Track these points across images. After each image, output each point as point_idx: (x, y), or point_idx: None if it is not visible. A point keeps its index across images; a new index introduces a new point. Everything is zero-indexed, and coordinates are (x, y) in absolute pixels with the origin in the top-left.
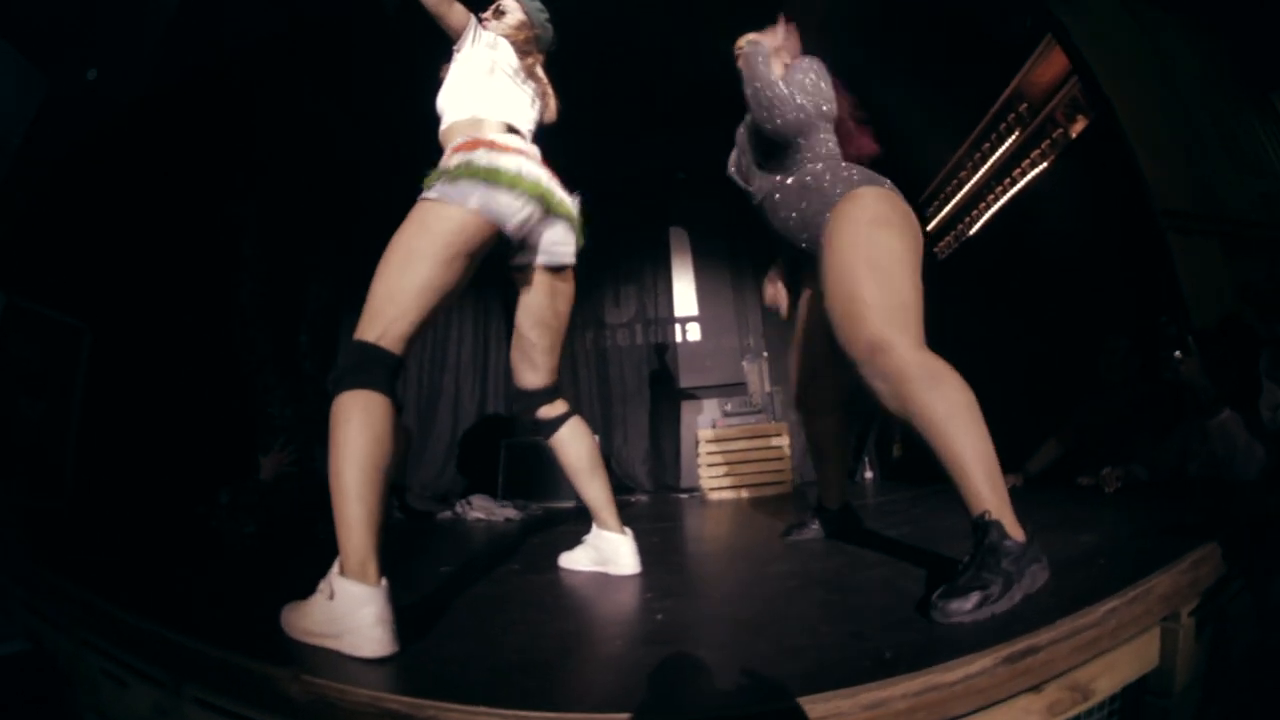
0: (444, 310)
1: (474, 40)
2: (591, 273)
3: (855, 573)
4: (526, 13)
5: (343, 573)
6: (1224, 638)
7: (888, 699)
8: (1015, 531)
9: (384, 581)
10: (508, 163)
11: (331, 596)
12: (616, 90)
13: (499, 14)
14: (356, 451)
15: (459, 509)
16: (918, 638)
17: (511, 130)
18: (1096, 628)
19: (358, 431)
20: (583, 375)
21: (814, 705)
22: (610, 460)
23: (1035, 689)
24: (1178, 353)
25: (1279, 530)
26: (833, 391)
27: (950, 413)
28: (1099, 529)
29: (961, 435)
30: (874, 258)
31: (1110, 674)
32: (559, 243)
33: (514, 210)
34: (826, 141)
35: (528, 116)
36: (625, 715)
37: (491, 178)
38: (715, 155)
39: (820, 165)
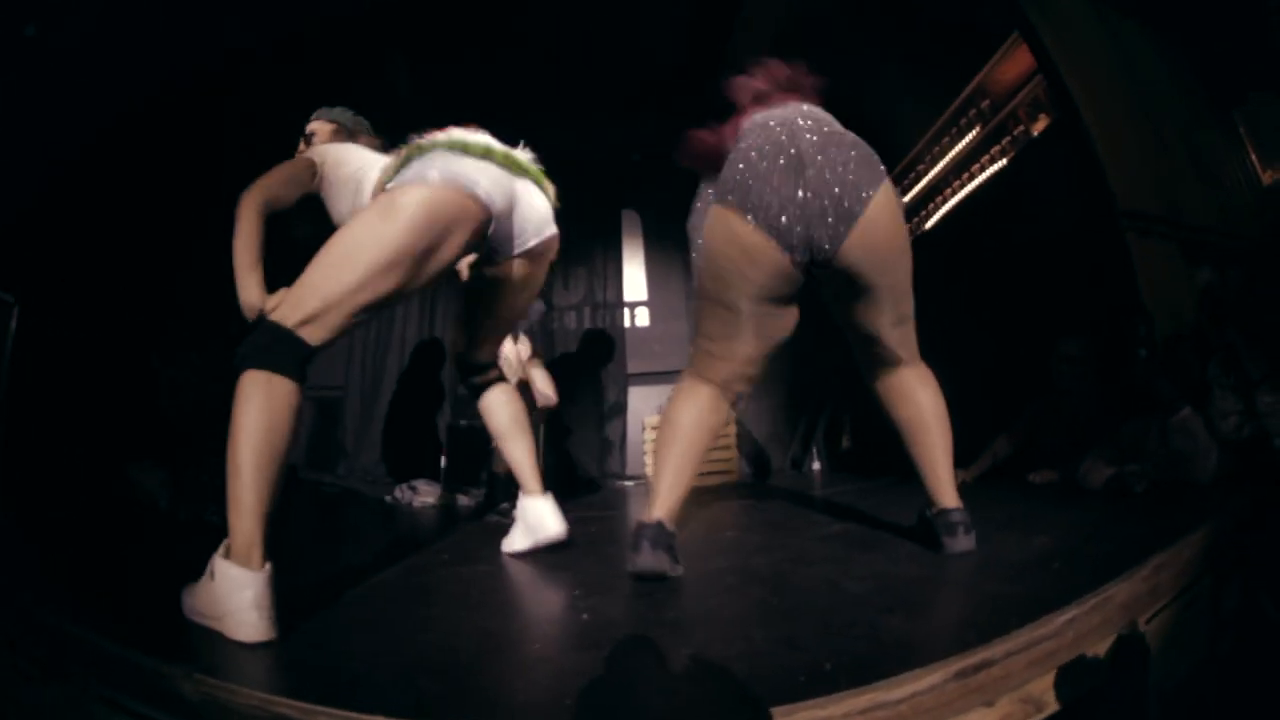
0: (396, 302)
1: (324, 169)
2: None
3: (797, 570)
4: (332, 120)
5: (227, 555)
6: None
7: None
8: None
9: (268, 566)
10: (473, 136)
11: (213, 578)
12: (572, 71)
13: (309, 140)
14: (253, 434)
15: (398, 493)
16: (859, 646)
17: None
18: (1054, 639)
19: (257, 414)
20: None
21: None
22: (552, 445)
23: (988, 704)
24: (1143, 350)
25: (1235, 537)
26: None
27: None
28: (1052, 530)
29: None
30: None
31: (1065, 685)
32: (538, 213)
33: (486, 176)
34: None
35: None
36: None
37: (456, 147)
38: (672, 139)
39: None
